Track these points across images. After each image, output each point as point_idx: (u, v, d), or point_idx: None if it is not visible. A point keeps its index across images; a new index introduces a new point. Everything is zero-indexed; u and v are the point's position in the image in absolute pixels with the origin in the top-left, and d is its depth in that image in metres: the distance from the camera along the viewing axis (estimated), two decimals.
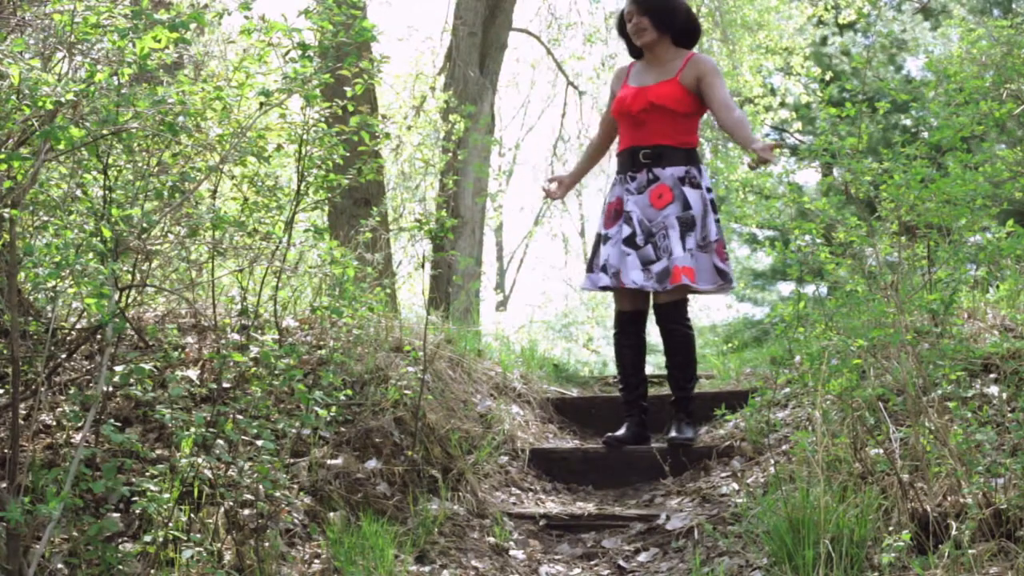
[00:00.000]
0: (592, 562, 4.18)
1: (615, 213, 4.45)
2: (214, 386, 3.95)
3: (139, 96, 3.35)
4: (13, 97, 3.25)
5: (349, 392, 4.41)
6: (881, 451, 3.84)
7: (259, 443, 3.63)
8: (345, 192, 5.43)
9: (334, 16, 3.90)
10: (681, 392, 4.64)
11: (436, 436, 4.69)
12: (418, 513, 4.22)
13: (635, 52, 4.69)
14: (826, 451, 3.91)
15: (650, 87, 4.45)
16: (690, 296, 4.63)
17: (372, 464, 4.39)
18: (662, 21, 4.49)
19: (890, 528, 3.54)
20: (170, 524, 3.42)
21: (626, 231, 4.33)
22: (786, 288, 15.58)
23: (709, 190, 4.41)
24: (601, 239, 4.52)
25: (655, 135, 4.40)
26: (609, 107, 4.68)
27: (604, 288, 4.51)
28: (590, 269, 4.59)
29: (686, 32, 4.56)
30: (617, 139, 4.65)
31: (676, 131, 4.42)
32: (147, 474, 3.55)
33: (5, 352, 3.63)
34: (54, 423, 3.84)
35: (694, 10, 12.08)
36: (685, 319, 4.46)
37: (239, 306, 4.58)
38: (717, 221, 4.41)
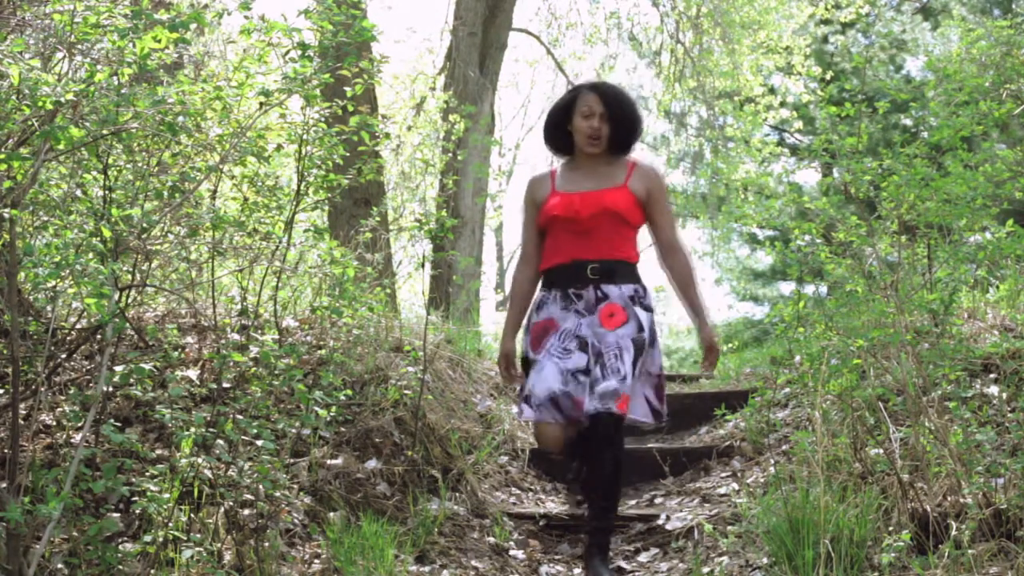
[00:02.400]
0: None
1: (543, 334, 3.70)
2: (214, 386, 3.95)
3: (139, 96, 3.35)
4: (13, 97, 3.25)
5: (349, 392, 4.41)
6: (881, 451, 3.84)
7: (259, 443, 3.63)
8: (345, 192, 5.43)
9: (334, 16, 3.90)
10: (600, 522, 3.63)
11: (436, 436, 4.69)
12: (418, 513, 4.22)
13: (561, 149, 3.88)
14: (826, 451, 3.91)
15: (601, 192, 3.70)
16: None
17: (372, 464, 4.39)
18: (624, 136, 3.77)
19: (890, 528, 3.54)
20: (170, 524, 3.42)
21: (581, 360, 3.59)
22: (786, 288, 15.59)
23: (652, 311, 3.77)
24: (526, 366, 3.74)
25: (604, 248, 3.68)
26: (530, 218, 3.84)
27: (520, 416, 3.80)
28: (526, 398, 3.69)
29: (632, 145, 3.85)
30: (542, 255, 3.83)
31: (624, 244, 3.73)
32: (147, 474, 3.55)
33: (5, 352, 3.63)
34: (54, 423, 3.84)
35: (694, 10, 12.18)
36: (621, 442, 3.62)
37: (239, 306, 4.59)
38: (658, 351, 3.78)
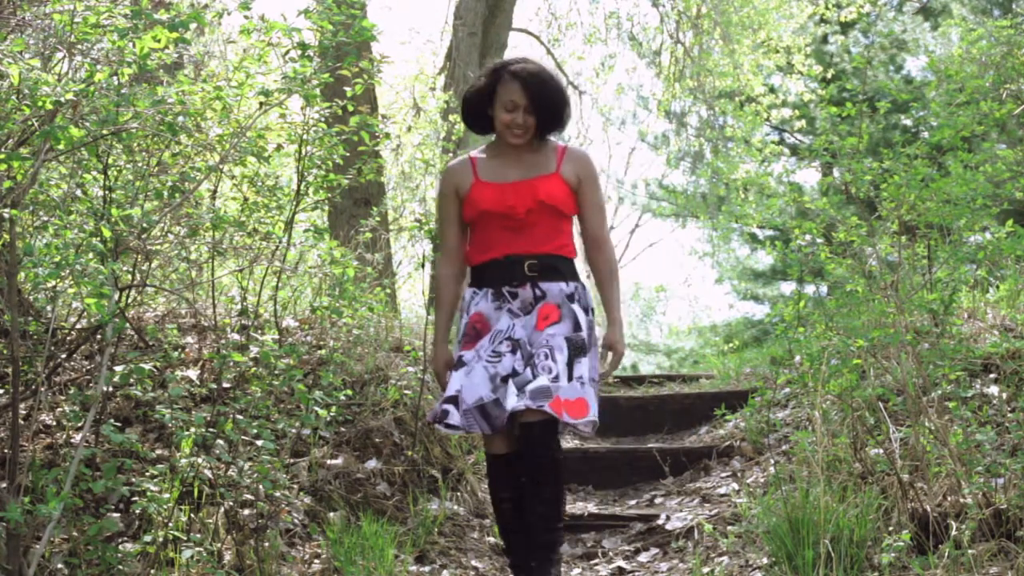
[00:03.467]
0: (592, 562, 4.18)
1: (473, 332, 3.36)
2: (214, 386, 3.95)
3: (139, 96, 3.35)
4: (13, 97, 3.25)
5: (349, 392, 4.41)
6: (881, 451, 3.84)
7: (259, 443, 3.63)
8: (345, 192, 5.43)
9: (334, 16, 3.90)
10: (547, 536, 3.30)
11: (436, 436, 4.69)
12: (418, 513, 4.21)
13: (484, 129, 3.53)
14: (826, 451, 3.91)
15: (533, 181, 3.37)
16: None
17: (372, 464, 4.39)
18: (550, 125, 3.42)
19: (890, 528, 3.54)
20: (170, 524, 3.42)
21: (509, 363, 3.27)
22: (786, 288, 15.59)
23: (592, 312, 3.44)
24: (459, 363, 3.35)
25: (542, 242, 3.36)
26: (452, 211, 3.47)
27: (454, 428, 3.28)
28: (451, 399, 3.31)
29: (560, 130, 3.51)
30: (469, 248, 3.50)
31: (562, 238, 3.41)
32: (147, 474, 3.55)
33: (5, 352, 3.63)
34: (54, 423, 3.84)
35: (694, 10, 12.18)
36: (555, 443, 3.33)
37: (239, 306, 4.58)
38: (596, 354, 3.40)
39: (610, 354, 3.36)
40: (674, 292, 25.65)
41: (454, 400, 3.26)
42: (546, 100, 3.36)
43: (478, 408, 3.24)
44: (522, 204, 3.34)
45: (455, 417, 3.23)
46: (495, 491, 3.43)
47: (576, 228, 3.52)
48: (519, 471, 3.31)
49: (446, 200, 3.48)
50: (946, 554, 3.20)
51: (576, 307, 3.34)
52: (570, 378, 3.23)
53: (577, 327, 3.31)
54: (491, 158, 3.45)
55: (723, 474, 4.94)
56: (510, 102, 3.33)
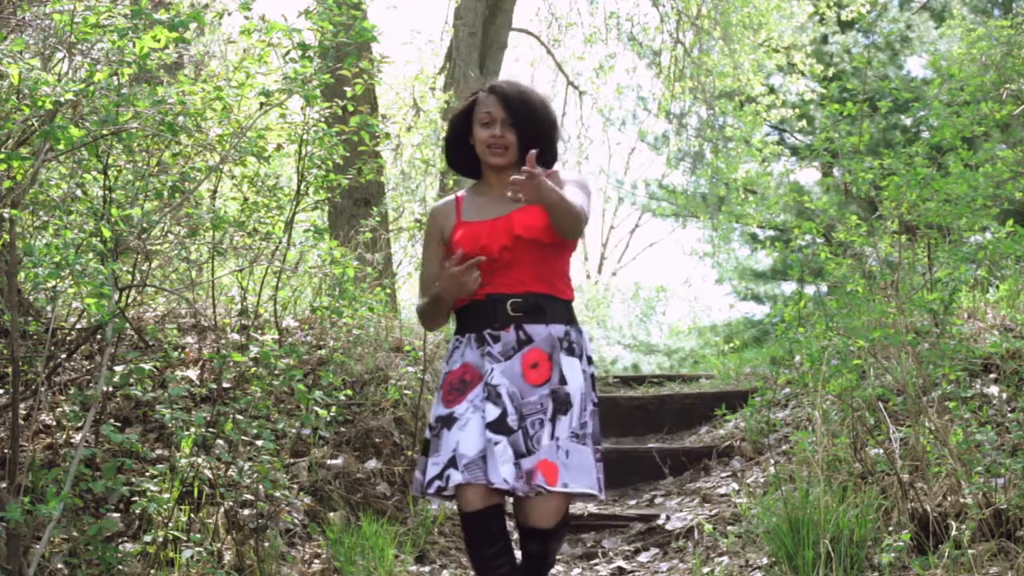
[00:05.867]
0: (592, 562, 4.18)
1: (461, 384, 2.99)
2: (214, 386, 3.95)
3: (139, 96, 3.35)
4: (13, 97, 3.25)
5: (349, 392, 4.41)
6: (881, 451, 3.84)
7: (259, 443, 3.64)
8: (345, 192, 5.43)
9: (334, 16, 3.90)
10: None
11: None
12: (418, 513, 4.22)
13: (468, 169, 3.20)
14: (826, 451, 3.92)
15: (511, 215, 3.00)
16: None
17: (372, 464, 4.39)
18: (533, 141, 3.03)
19: (890, 528, 3.54)
20: (170, 524, 3.42)
21: (492, 412, 2.87)
22: (787, 288, 15.59)
23: (591, 361, 3.07)
24: (443, 423, 2.94)
25: (526, 280, 2.99)
26: (434, 254, 3.13)
27: (440, 494, 2.92)
28: (452, 462, 2.88)
29: (548, 152, 3.11)
30: None
31: (553, 274, 3.04)
32: (147, 474, 3.55)
33: (5, 352, 3.63)
34: (54, 423, 3.84)
35: (694, 10, 12.17)
36: (560, 546, 3.06)
37: (239, 306, 4.59)
38: (596, 407, 3.02)
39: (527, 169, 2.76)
40: (674, 292, 25.66)
41: (452, 461, 2.86)
42: (526, 113, 3.04)
43: (482, 458, 2.86)
44: (496, 243, 2.98)
45: (456, 477, 2.84)
46: (480, 557, 2.94)
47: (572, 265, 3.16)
48: (503, 525, 2.93)
49: (431, 241, 3.16)
50: (946, 554, 3.21)
51: (564, 356, 2.96)
52: (550, 437, 2.87)
53: (562, 380, 2.93)
54: (476, 195, 3.13)
55: (723, 474, 4.95)
56: (486, 114, 3.02)
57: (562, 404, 2.90)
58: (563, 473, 2.83)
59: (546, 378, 2.92)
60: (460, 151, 3.15)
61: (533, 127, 3.04)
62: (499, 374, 2.92)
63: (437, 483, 2.86)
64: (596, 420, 2.98)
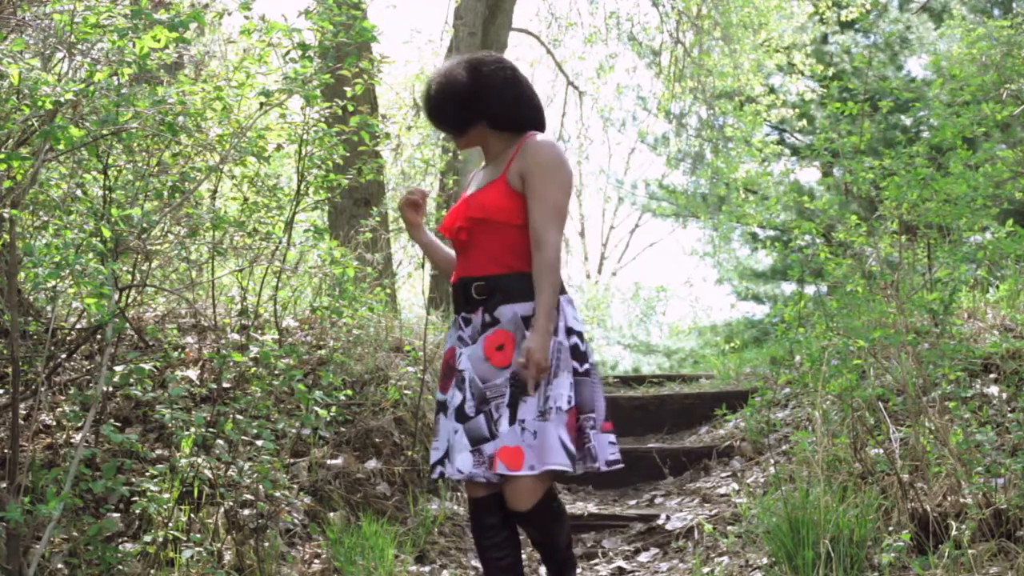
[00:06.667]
0: (592, 562, 4.18)
1: (448, 369, 3.00)
2: (214, 386, 3.95)
3: (139, 96, 3.35)
4: (13, 97, 3.25)
5: (349, 392, 4.41)
6: (881, 451, 3.84)
7: (259, 443, 3.64)
8: (345, 192, 5.44)
9: (334, 16, 3.90)
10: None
11: None
12: (418, 513, 4.22)
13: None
14: (826, 451, 3.92)
15: (475, 194, 2.98)
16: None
17: (372, 464, 4.39)
18: (459, 122, 2.99)
19: (890, 528, 3.54)
20: (170, 524, 3.42)
21: (456, 399, 2.89)
22: (787, 288, 15.59)
23: (571, 332, 2.90)
24: (440, 407, 3.00)
25: (485, 261, 2.92)
26: None
27: (444, 478, 3.06)
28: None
29: (507, 117, 2.99)
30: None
31: (514, 252, 2.91)
32: (147, 474, 3.55)
33: (5, 352, 3.63)
34: (54, 423, 3.84)
35: (694, 10, 12.17)
36: (558, 531, 3.02)
37: (239, 306, 4.59)
38: (585, 375, 2.89)
39: (521, 360, 2.76)
40: (674, 292, 25.67)
41: (448, 453, 2.92)
42: (435, 109, 3.01)
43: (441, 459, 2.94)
44: (453, 223, 2.98)
45: (450, 470, 2.90)
46: (482, 545, 2.98)
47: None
48: (506, 517, 2.95)
49: None
50: (946, 554, 3.20)
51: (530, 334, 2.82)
52: (511, 422, 2.79)
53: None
54: (480, 170, 3.12)
55: (723, 474, 4.95)
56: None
57: (523, 387, 2.80)
58: (529, 455, 2.77)
59: (510, 360, 2.84)
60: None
61: (443, 114, 3.00)
62: (465, 358, 2.91)
63: (439, 468, 2.94)
64: (589, 388, 2.88)
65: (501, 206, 2.90)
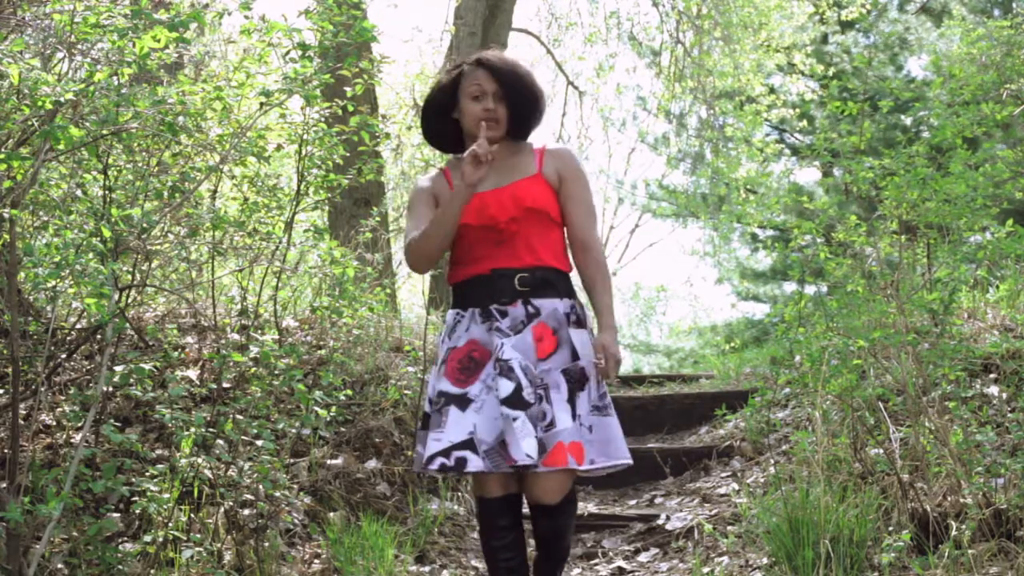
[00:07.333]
0: (592, 562, 4.18)
1: (471, 363, 2.91)
2: (214, 386, 3.95)
3: (139, 96, 3.35)
4: (13, 97, 3.25)
5: (349, 392, 4.41)
6: (881, 451, 3.84)
7: (259, 443, 3.64)
8: (345, 192, 5.43)
9: (334, 16, 3.90)
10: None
11: None
12: (418, 513, 4.22)
13: (446, 143, 3.12)
14: (826, 451, 3.91)
15: (513, 187, 2.95)
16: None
17: (372, 464, 4.39)
18: (524, 119, 3.00)
19: (890, 528, 3.54)
20: (170, 524, 3.42)
21: (506, 388, 2.79)
22: (787, 287, 15.60)
23: (592, 331, 3.01)
24: (452, 401, 2.87)
25: (533, 253, 2.93)
26: (424, 214, 3.00)
27: (444, 471, 2.84)
28: (466, 444, 2.82)
29: (535, 124, 3.07)
30: (449, 264, 3.07)
31: (556, 248, 2.98)
32: (147, 474, 3.55)
33: (5, 352, 3.63)
34: (54, 423, 3.84)
35: (694, 10, 12.17)
36: (571, 526, 3.01)
37: (239, 306, 4.59)
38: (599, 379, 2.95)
39: (602, 359, 2.85)
40: (674, 292, 25.69)
41: (470, 444, 2.79)
42: (518, 86, 2.96)
43: (499, 444, 2.81)
44: (503, 213, 2.92)
45: (475, 463, 2.78)
46: (491, 545, 2.96)
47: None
48: (518, 518, 2.96)
49: (420, 205, 3.03)
50: (946, 554, 3.20)
51: (572, 330, 2.92)
52: (573, 417, 2.82)
53: (575, 355, 2.89)
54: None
55: (723, 474, 4.95)
56: (476, 87, 2.93)
57: (578, 381, 2.86)
58: (589, 450, 2.82)
59: (552, 350, 2.88)
60: (440, 123, 3.06)
61: (523, 99, 2.97)
62: (510, 348, 2.85)
63: (441, 460, 2.79)
64: (598, 383, 2.95)
65: (549, 200, 2.96)
